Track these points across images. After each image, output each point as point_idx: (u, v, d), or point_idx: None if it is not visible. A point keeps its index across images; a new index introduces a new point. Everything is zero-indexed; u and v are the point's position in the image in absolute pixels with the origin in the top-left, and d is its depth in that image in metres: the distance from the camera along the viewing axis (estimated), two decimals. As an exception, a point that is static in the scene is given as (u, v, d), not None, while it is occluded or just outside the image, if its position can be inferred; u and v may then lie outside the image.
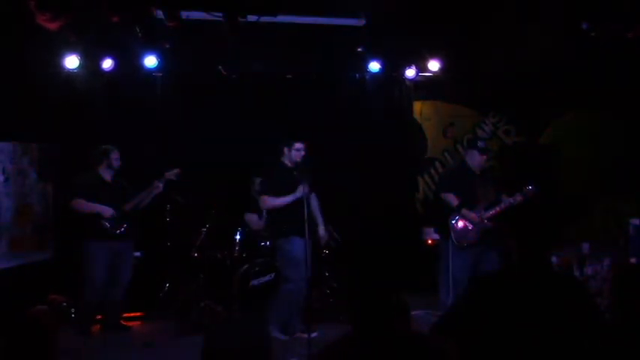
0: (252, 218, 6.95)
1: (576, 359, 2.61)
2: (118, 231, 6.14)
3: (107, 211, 6.10)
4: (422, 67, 7.71)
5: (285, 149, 6.07)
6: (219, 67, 7.15)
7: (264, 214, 6.59)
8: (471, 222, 5.98)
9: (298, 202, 5.71)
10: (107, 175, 6.25)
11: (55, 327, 2.74)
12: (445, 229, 6.11)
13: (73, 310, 6.11)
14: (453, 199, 6.05)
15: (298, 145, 6.02)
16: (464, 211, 6.00)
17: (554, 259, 5.84)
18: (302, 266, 5.62)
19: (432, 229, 7.37)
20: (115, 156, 6.23)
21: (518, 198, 5.87)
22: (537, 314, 2.63)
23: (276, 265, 6.48)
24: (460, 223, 6.02)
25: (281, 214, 5.95)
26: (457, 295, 5.53)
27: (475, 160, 6.13)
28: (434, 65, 7.56)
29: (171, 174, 6.33)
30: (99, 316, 6.32)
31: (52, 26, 4.41)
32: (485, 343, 2.64)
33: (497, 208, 5.92)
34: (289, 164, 6.05)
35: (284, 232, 5.94)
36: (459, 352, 2.37)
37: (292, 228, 5.82)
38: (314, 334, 5.38)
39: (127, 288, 6.35)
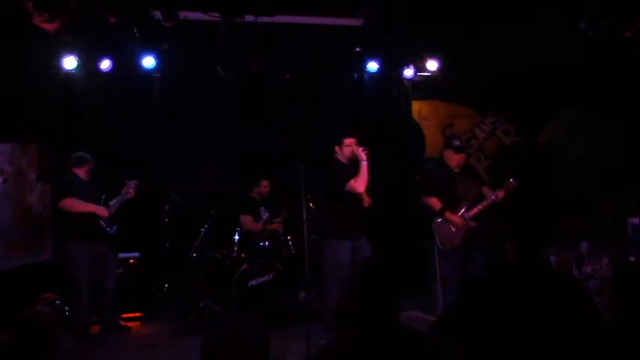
0: (247, 219, 6.94)
1: (575, 359, 2.60)
2: (112, 230, 6.17)
3: (104, 210, 6.11)
4: (420, 67, 7.71)
5: (337, 148, 6.00)
6: (218, 67, 7.15)
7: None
8: (454, 225, 5.91)
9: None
10: (85, 180, 6.27)
11: (57, 328, 2.74)
12: (429, 230, 6.02)
13: (66, 308, 6.09)
14: (435, 203, 5.95)
15: (349, 141, 5.94)
16: (447, 214, 5.90)
17: (553, 258, 5.83)
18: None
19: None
20: (93, 166, 6.28)
21: (500, 194, 5.85)
22: (536, 314, 2.62)
23: (275, 266, 6.49)
24: (444, 227, 5.94)
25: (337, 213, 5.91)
26: (456, 295, 5.54)
27: (452, 159, 6.04)
28: (432, 65, 7.55)
29: (132, 183, 6.24)
30: (95, 318, 6.32)
31: (50, 27, 4.41)
32: (484, 343, 2.64)
33: (480, 206, 5.87)
34: (344, 161, 5.96)
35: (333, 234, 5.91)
36: (460, 352, 2.37)
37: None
38: None
39: (114, 290, 6.33)
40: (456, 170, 6.06)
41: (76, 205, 6.06)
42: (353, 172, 5.85)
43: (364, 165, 5.77)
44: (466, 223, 5.88)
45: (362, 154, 5.80)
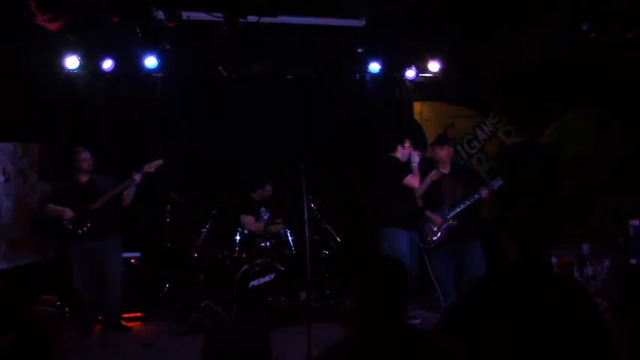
0: (249, 220, 6.94)
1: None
2: (80, 231, 6.12)
3: (66, 213, 6.10)
4: (422, 68, 7.70)
5: (399, 147, 6.51)
6: (220, 67, 7.15)
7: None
8: (433, 223, 6.12)
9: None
10: (81, 178, 6.25)
11: (60, 329, 2.74)
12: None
13: (67, 310, 6.09)
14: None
15: (408, 142, 6.51)
16: (427, 212, 6.18)
17: (554, 259, 5.84)
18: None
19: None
20: (81, 157, 6.21)
21: (484, 192, 5.97)
22: (538, 315, 2.62)
23: (276, 266, 6.48)
24: (425, 225, 6.20)
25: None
26: (459, 295, 5.55)
27: (438, 155, 6.29)
28: (434, 66, 7.54)
29: (151, 166, 6.25)
30: (100, 317, 6.32)
31: (53, 27, 4.41)
32: (486, 344, 2.64)
33: (462, 206, 6.07)
34: (402, 159, 6.48)
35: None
36: (464, 352, 2.36)
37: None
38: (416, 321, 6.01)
39: (122, 286, 6.34)
40: (443, 169, 6.24)
41: (48, 211, 6.19)
42: (407, 170, 6.36)
43: (415, 166, 6.29)
44: (445, 221, 6.08)
45: (416, 156, 6.33)
